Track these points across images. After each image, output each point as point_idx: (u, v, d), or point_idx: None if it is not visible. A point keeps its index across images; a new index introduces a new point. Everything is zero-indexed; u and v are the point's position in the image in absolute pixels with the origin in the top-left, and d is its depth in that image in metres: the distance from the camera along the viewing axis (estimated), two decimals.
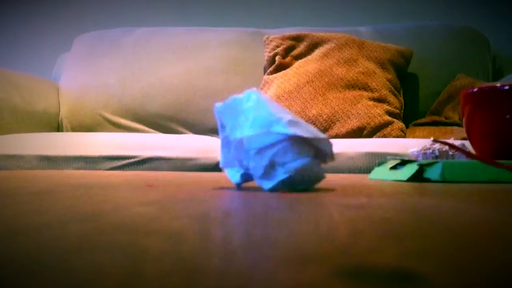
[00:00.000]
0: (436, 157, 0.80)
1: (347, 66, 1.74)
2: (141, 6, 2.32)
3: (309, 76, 1.73)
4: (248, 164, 0.43)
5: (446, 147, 0.79)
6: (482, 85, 0.85)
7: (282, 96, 1.70)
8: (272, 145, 0.42)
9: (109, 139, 1.36)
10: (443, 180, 0.65)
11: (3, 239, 0.18)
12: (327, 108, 1.65)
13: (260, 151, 0.42)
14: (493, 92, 0.83)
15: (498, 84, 0.83)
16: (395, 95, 1.73)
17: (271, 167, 0.42)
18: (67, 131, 1.91)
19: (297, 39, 1.85)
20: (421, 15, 2.20)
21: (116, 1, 2.33)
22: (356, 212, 0.27)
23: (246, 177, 0.46)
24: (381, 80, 1.72)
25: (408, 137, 1.65)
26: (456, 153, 0.79)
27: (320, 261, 0.14)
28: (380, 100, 1.68)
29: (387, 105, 1.68)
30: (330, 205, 0.31)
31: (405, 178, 0.67)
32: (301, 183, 0.43)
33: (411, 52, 1.84)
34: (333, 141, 1.38)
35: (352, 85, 1.70)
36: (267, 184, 0.43)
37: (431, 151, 0.81)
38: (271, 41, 1.87)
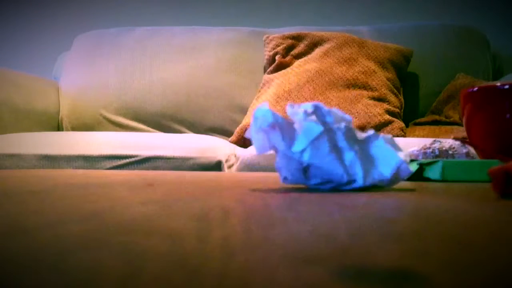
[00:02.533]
0: (436, 156, 0.80)
1: (347, 65, 1.74)
2: (141, 6, 2.32)
3: (309, 75, 1.73)
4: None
5: (446, 147, 0.79)
6: (482, 85, 0.85)
7: (282, 96, 1.70)
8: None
9: (109, 138, 1.36)
10: (443, 180, 0.65)
11: (3, 238, 0.18)
12: (327, 108, 1.65)
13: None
14: (493, 92, 0.83)
15: (498, 83, 0.83)
16: (395, 94, 1.73)
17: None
18: (67, 130, 1.91)
19: (297, 38, 1.85)
20: (421, 15, 2.20)
21: (116, 0, 2.33)
22: (356, 212, 0.27)
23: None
24: (381, 79, 1.72)
25: (408, 137, 1.66)
26: (456, 152, 0.79)
27: (320, 261, 0.14)
28: (380, 99, 1.68)
29: (387, 104, 1.68)
30: (330, 205, 0.31)
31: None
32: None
33: (411, 51, 1.84)
34: None
35: (352, 84, 1.70)
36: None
37: (431, 150, 0.81)
38: (271, 40, 1.87)
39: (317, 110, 0.43)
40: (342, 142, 0.43)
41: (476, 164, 0.66)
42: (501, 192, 0.38)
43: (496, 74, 2.02)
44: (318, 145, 0.42)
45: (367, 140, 0.44)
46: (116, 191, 0.40)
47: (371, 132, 0.44)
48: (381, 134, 0.46)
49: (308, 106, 0.43)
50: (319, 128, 0.42)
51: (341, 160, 0.43)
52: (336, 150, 0.43)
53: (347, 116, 0.44)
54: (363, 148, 0.44)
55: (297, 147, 0.42)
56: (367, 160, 0.44)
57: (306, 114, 0.42)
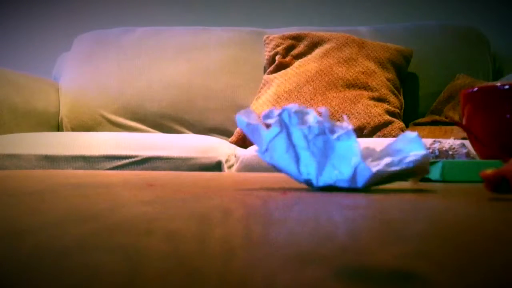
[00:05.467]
0: (436, 156, 0.80)
1: (347, 66, 1.74)
2: (141, 6, 2.32)
3: (309, 75, 1.73)
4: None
5: (446, 147, 0.79)
6: (482, 85, 0.85)
7: (282, 96, 1.70)
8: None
9: (109, 138, 1.36)
10: (443, 180, 0.65)
11: (3, 239, 0.18)
12: (327, 108, 1.65)
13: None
14: (493, 92, 0.83)
15: (498, 84, 0.83)
16: (395, 94, 1.73)
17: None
18: (67, 130, 1.91)
19: (297, 38, 1.85)
20: (421, 15, 2.20)
21: (116, 0, 2.33)
22: (356, 212, 0.27)
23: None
24: (381, 79, 1.72)
25: None
26: (456, 152, 0.79)
27: (320, 261, 0.14)
28: (380, 99, 1.68)
29: (387, 104, 1.68)
30: (330, 205, 0.31)
31: None
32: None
33: (411, 51, 1.84)
34: None
35: (352, 85, 1.70)
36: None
37: (431, 151, 0.81)
38: (271, 40, 1.87)
39: (283, 112, 0.44)
40: (300, 142, 0.44)
41: (476, 165, 0.66)
42: (493, 190, 0.38)
43: (496, 74, 2.02)
44: (275, 145, 0.44)
45: (337, 139, 0.43)
46: (116, 192, 0.40)
47: (342, 131, 0.43)
48: (406, 133, 0.45)
49: (271, 110, 0.45)
50: (276, 130, 0.44)
51: (297, 160, 0.44)
52: (294, 150, 0.44)
53: (319, 117, 0.44)
54: (330, 148, 0.44)
55: (263, 148, 0.45)
56: (329, 160, 0.44)
57: (268, 117, 0.44)
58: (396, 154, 0.45)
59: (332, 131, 0.43)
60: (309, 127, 0.43)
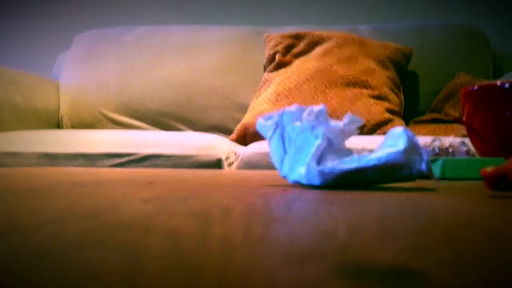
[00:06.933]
0: (437, 154, 0.80)
1: (347, 64, 1.74)
2: (141, 4, 2.31)
3: (309, 74, 1.73)
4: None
5: (446, 145, 0.80)
6: (482, 83, 0.85)
7: (282, 94, 1.70)
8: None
9: (109, 136, 1.36)
10: (443, 177, 0.65)
11: (3, 236, 0.18)
12: (327, 106, 1.65)
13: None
14: (493, 90, 0.83)
15: (498, 82, 0.83)
16: (395, 92, 1.73)
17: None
18: (67, 128, 1.91)
19: (297, 37, 1.85)
20: (421, 14, 2.20)
21: None
22: (355, 210, 0.27)
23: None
24: (381, 78, 1.72)
25: None
26: (456, 150, 0.79)
27: (320, 259, 0.14)
28: (380, 97, 1.68)
29: (387, 102, 1.68)
30: (329, 203, 0.31)
31: None
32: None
33: (411, 50, 1.84)
34: None
35: (352, 83, 1.70)
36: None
37: (431, 148, 0.81)
38: (271, 39, 1.87)
39: (283, 114, 0.48)
40: (286, 141, 0.47)
41: (476, 162, 0.66)
42: (492, 188, 0.38)
43: (496, 72, 2.02)
44: (271, 145, 0.49)
45: (315, 137, 0.45)
46: (116, 189, 0.40)
47: (318, 130, 0.45)
48: (393, 129, 0.45)
49: (277, 113, 0.48)
50: (272, 130, 0.48)
51: (282, 158, 0.48)
52: (283, 148, 0.48)
53: (308, 116, 0.46)
54: (310, 146, 0.46)
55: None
56: (302, 157, 0.46)
57: (267, 119, 0.48)
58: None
59: (314, 130, 0.45)
60: (292, 127, 0.46)
